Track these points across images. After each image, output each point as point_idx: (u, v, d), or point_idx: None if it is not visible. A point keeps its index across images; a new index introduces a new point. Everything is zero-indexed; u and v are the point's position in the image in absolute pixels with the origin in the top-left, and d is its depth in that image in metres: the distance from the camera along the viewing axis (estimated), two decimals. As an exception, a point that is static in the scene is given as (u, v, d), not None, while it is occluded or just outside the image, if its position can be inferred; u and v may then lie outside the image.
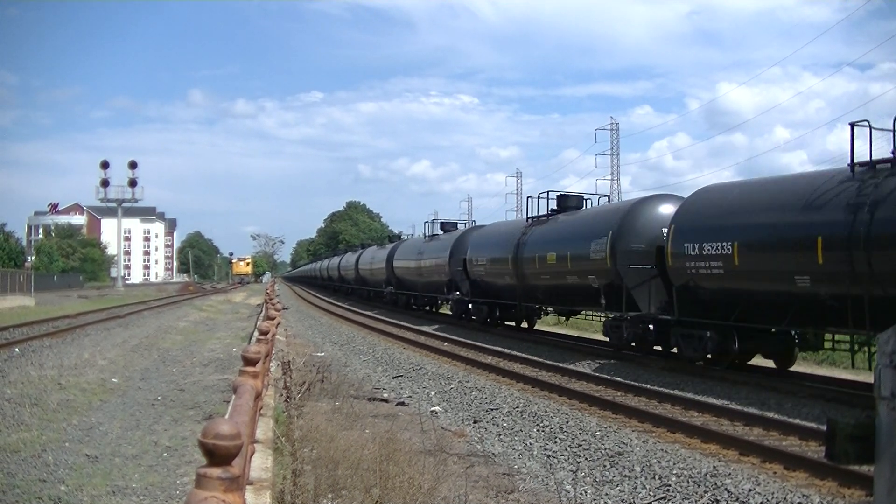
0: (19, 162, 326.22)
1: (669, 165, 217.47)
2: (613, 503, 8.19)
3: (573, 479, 8.90)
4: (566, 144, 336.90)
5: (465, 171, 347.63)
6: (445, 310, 38.88)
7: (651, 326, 18.07)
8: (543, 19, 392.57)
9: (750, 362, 17.00)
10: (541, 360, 19.13)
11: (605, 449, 10.18)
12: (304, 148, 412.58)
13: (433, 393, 15.41)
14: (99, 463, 8.64)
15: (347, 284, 65.17)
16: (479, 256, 28.84)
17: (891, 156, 12.96)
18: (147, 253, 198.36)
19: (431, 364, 19.34)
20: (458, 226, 38.84)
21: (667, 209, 18.71)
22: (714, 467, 9.01)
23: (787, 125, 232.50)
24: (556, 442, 10.87)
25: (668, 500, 8.16)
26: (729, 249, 15.07)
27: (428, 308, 40.22)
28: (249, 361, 5.47)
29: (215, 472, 2.29)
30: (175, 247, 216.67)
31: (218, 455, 2.33)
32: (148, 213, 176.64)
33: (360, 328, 31.53)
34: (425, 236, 40.01)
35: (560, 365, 18.05)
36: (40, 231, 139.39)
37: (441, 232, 38.31)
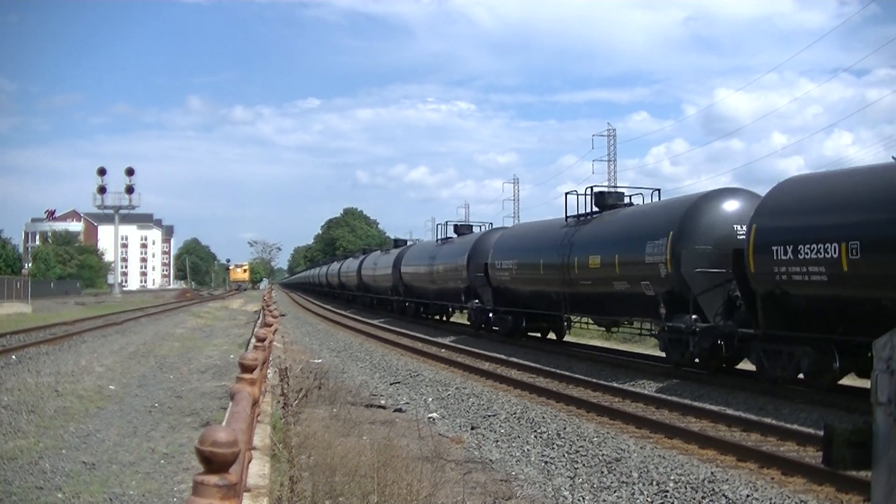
0: (17, 168, 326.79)
1: (667, 171, 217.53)
2: (611, 509, 8.17)
3: (571, 486, 8.89)
4: (564, 150, 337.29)
5: (462, 178, 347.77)
6: (459, 318, 37.90)
7: (721, 341, 16.07)
8: (540, 26, 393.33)
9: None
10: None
11: (603, 455, 10.17)
12: (302, 154, 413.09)
13: (430, 399, 15.39)
14: (96, 470, 8.62)
15: (349, 291, 62.89)
16: (506, 260, 26.08)
17: None
18: (144, 260, 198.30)
19: (429, 370, 19.33)
20: (474, 229, 35.87)
21: (733, 205, 16.89)
22: (712, 473, 9.01)
23: (784, 131, 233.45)
24: (553, 448, 10.86)
25: (666, 506, 8.13)
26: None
27: (438, 317, 38.63)
28: (246, 368, 5.47)
29: (212, 479, 2.29)
30: (172, 253, 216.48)
31: (215, 462, 2.33)
32: (145, 220, 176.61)
33: (357, 335, 31.47)
34: (437, 240, 37.93)
35: (556, 371, 18.01)
36: (37, 238, 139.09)
37: (455, 235, 35.96)
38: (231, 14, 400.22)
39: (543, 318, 25.22)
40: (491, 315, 28.09)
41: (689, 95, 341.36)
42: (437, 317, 38.88)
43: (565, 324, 25.10)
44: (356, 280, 56.20)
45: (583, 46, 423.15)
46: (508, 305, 26.45)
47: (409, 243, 50.18)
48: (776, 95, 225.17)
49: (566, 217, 23.10)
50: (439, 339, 27.49)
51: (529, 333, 26.62)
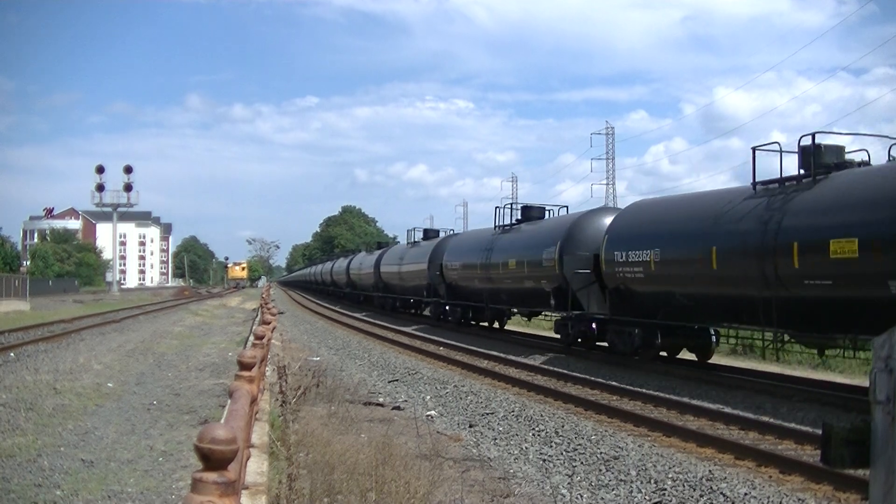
0: (15, 167, 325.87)
1: (665, 170, 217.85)
2: (609, 507, 8.17)
3: (569, 484, 8.89)
4: (562, 149, 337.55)
5: (461, 176, 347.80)
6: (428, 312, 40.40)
7: (594, 325, 20.05)
8: (539, 24, 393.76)
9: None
10: (536, 364, 19.17)
11: (601, 453, 10.18)
12: (300, 153, 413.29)
13: (429, 397, 15.40)
14: (94, 468, 8.63)
15: (339, 289, 66.51)
16: (454, 262, 31.12)
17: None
18: (143, 257, 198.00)
19: (427, 368, 19.33)
20: (441, 233, 40.38)
21: (608, 221, 20.49)
22: (710, 471, 9.02)
23: (783, 129, 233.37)
24: (551, 446, 10.86)
25: (664, 504, 8.14)
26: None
27: (413, 311, 41.73)
28: (245, 366, 5.47)
29: (211, 476, 2.30)
30: (171, 251, 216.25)
31: (214, 460, 2.33)
32: (143, 218, 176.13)
33: (355, 332, 31.51)
34: (409, 243, 42.05)
35: (554, 369, 18.05)
36: (36, 236, 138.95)
37: (422, 239, 40.64)
38: (229, 12, 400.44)
39: (484, 310, 29.23)
40: (447, 307, 32.70)
41: (687, 94, 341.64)
42: (411, 310, 42.41)
43: (510, 314, 29.77)
44: (346, 278, 58.83)
45: (581, 45, 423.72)
46: (458, 300, 31.38)
47: (392, 244, 54.72)
48: (775, 94, 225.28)
49: (494, 227, 28.39)
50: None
51: (476, 323, 31.14)
